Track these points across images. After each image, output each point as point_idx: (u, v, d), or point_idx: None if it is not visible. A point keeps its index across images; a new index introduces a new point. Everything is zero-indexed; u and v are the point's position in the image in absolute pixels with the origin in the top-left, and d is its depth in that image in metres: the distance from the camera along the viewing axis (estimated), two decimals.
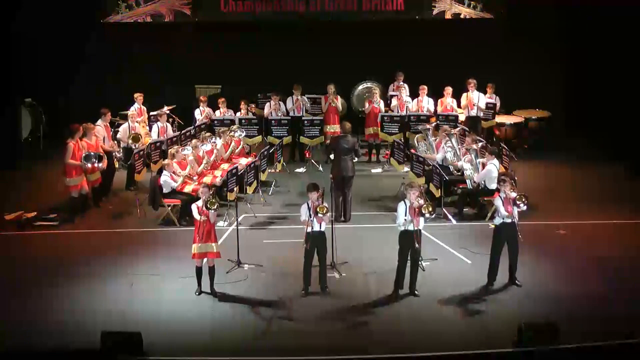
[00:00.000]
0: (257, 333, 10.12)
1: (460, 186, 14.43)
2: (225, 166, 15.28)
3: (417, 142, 15.90)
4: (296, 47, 19.57)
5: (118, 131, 16.33)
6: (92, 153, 14.25)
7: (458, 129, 16.13)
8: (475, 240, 12.83)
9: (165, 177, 13.82)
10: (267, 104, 17.84)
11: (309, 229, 10.96)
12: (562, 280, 11.49)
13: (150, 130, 16.77)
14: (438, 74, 18.01)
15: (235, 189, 13.96)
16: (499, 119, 18.14)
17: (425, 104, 17.59)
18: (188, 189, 13.99)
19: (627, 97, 18.09)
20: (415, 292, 11.04)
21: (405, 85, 18.08)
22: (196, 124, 17.20)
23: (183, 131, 16.63)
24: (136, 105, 16.96)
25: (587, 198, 15.11)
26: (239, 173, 14.28)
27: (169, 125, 16.88)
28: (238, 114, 17.67)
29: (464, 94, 17.65)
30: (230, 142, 15.97)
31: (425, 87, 17.63)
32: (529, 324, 9.69)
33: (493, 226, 11.58)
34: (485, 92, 17.73)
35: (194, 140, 15.26)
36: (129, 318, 10.36)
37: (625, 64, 18.04)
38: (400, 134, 17.21)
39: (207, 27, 19.95)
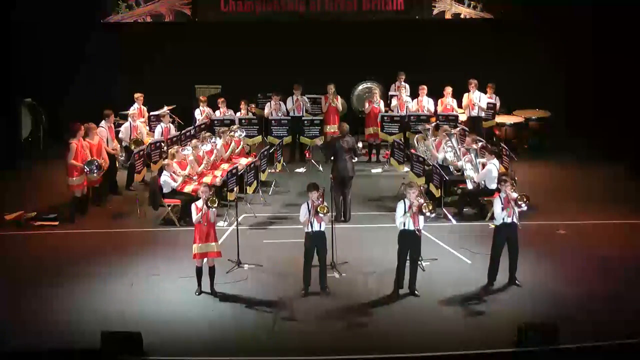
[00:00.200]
0: (257, 333, 10.12)
1: (460, 186, 14.43)
2: (225, 166, 15.28)
3: (417, 142, 15.91)
4: (296, 47, 19.56)
5: (120, 131, 16.34)
6: (95, 161, 14.23)
7: (458, 129, 16.14)
8: (475, 240, 12.83)
9: (165, 177, 13.82)
10: (268, 103, 17.85)
11: (309, 229, 10.96)
12: (562, 280, 11.49)
13: (150, 130, 16.78)
14: (438, 74, 18.01)
15: (235, 189, 13.97)
16: (499, 119, 18.16)
17: (425, 103, 17.60)
18: (188, 189, 13.99)
19: (628, 97, 18.11)
20: (415, 292, 11.04)
21: (406, 85, 18.07)
22: (196, 124, 17.20)
23: (183, 131, 16.63)
24: (136, 106, 16.96)
25: (587, 198, 15.11)
26: (239, 173, 14.29)
27: (172, 125, 16.89)
28: (238, 114, 17.67)
29: (465, 94, 17.65)
30: (230, 142, 15.97)
31: (425, 87, 17.63)
32: (529, 324, 9.69)
33: (493, 226, 11.59)
34: (485, 92, 17.73)
35: (194, 140, 15.25)
36: (129, 318, 10.36)
37: (625, 64, 18.05)
38: (400, 134, 17.22)
39: (207, 27, 19.95)
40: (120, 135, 16.22)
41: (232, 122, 17.11)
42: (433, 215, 11.05)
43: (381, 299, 10.97)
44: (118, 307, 10.72)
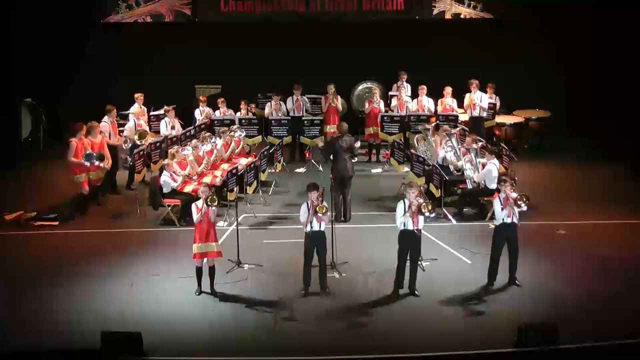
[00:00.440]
0: (257, 333, 10.11)
1: (460, 186, 14.43)
2: (225, 166, 15.28)
3: (417, 142, 15.90)
4: (296, 47, 19.56)
5: (123, 130, 16.36)
6: (93, 153, 14.26)
7: (458, 128, 16.14)
8: (475, 240, 12.83)
9: (165, 177, 13.83)
10: (268, 103, 17.86)
11: (309, 229, 10.96)
12: (562, 280, 11.48)
13: (150, 130, 16.78)
14: (438, 74, 18.01)
15: (235, 189, 13.97)
16: (499, 119, 18.16)
17: (426, 103, 17.59)
18: (188, 189, 14.00)
19: (628, 97, 18.11)
20: (415, 292, 11.04)
21: (407, 85, 18.06)
22: (196, 124, 17.20)
23: (183, 131, 16.64)
24: (136, 106, 16.96)
25: (587, 198, 15.11)
26: (239, 173, 14.29)
27: (177, 120, 16.91)
28: (238, 114, 17.68)
29: (467, 95, 17.63)
30: (230, 142, 15.97)
31: (425, 87, 17.62)
32: (529, 324, 9.69)
33: (493, 226, 11.59)
34: (485, 92, 17.72)
35: (194, 140, 15.26)
36: (129, 318, 10.36)
37: (625, 64, 18.05)
38: (400, 134, 17.22)
39: (207, 27, 19.96)
40: (124, 133, 16.24)
41: (232, 122, 17.12)
42: (433, 215, 11.05)
43: (381, 299, 10.96)
44: (118, 307, 10.71)
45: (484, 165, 13.92)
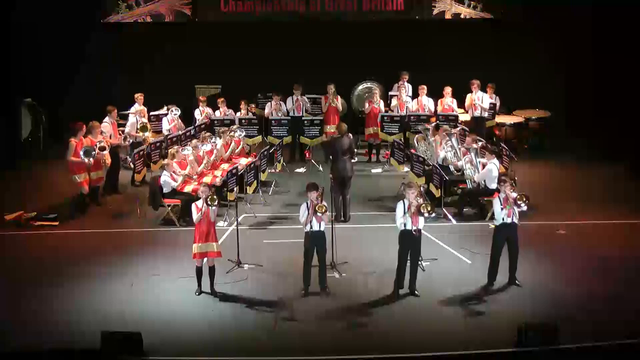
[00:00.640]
0: (257, 333, 10.11)
1: (460, 186, 14.43)
2: (225, 166, 15.28)
3: (417, 142, 15.90)
4: (296, 47, 19.56)
5: (125, 128, 16.37)
6: (90, 147, 14.24)
7: (458, 128, 16.14)
8: (475, 240, 12.83)
9: (165, 177, 13.83)
10: (268, 103, 17.85)
11: (309, 229, 10.96)
12: (562, 280, 11.48)
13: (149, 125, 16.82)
14: (438, 74, 18.01)
15: (235, 189, 13.97)
16: (499, 119, 18.16)
17: (426, 103, 17.59)
18: (188, 189, 14.00)
19: (628, 97, 18.11)
20: (415, 292, 11.04)
21: (408, 85, 18.05)
22: (196, 124, 17.20)
23: (183, 131, 16.64)
24: (136, 106, 16.96)
25: (587, 198, 15.11)
26: (239, 173, 14.29)
27: (178, 117, 16.94)
28: (238, 114, 17.67)
29: (468, 95, 17.62)
30: (230, 142, 15.98)
31: (425, 87, 17.62)
32: (529, 324, 9.70)
33: (493, 226, 11.59)
34: (485, 93, 17.71)
35: (194, 140, 15.26)
36: (129, 318, 10.36)
37: (625, 64, 18.05)
38: (400, 134, 17.22)
39: (207, 27, 19.95)
40: (126, 130, 16.25)
41: (232, 122, 17.12)
42: (432, 215, 11.05)
43: (381, 299, 10.97)
44: (118, 307, 10.71)
45: (484, 165, 13.92)
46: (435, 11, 20.28)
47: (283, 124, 17.40)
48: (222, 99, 17.79)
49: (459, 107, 17.76)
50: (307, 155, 17.79)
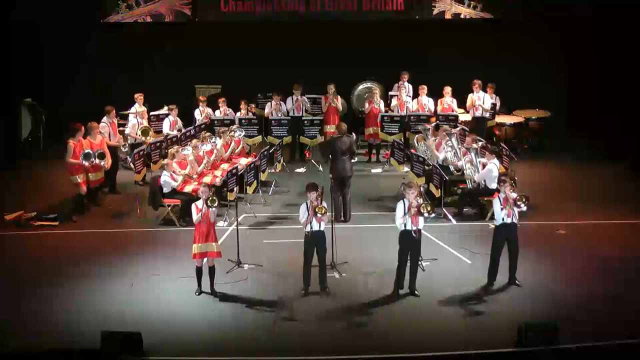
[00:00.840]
0: (257, 333, 10.11)
1: (460, 186, 14.43)
2: (225, 166, 15.28)
3: (417, 142, 15.90)
4: (296, 47, 19.56)
5: (125, 129, 16.35)
6: (91, 151, 14.25)
7: (458, 128, 16.14)
8: (475, 240, 12.83)
9: (165, 177, 13.83)
10: (268, 103, 17.85)
11: (308, 229, 10.96)
12: (562, 280, 11.48)
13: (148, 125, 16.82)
14: (438, 74, 18.00)
15: (235, 189, 13.97)
16: (499, 119, 18.15)
17: (426, 102, 17.58)
18: (188, 189, 14.00)
19: (628, 97, 18.11)
20: (415, 292, 11.04)
21: (408, 85, 18.04)
22: (196, 124, 17.20)
23: (183, 131, 16.64)
24: (136, 106, 16.96)
25: (587, 198, 15.11)
26: (239, 173, 14.29)
27: (179, 119, 16.92)
28: (238, 114, 17.68)
29: (469, 95, 17.61)
30: (230, 142, 15.97)
31: (425, 87, 17.62)
32: (529, 324, 9.70)
33: (493, 226, 11.58)
34: (485, 93, 17.71)
35: (194, 140, 15.26)
36: (129, 318, 10.36)
37: (625, 64, 18.05)
38: (400, 134, 17.21)
39: (207, 27, 19.95)
40: (126, 131, 16.24)
41: (232, 122, 17.12)
42: (432, 215, 11.05)
43: (381, 299, 10.96)
44: (118, 307, 10.71)
45: (484, 165, 13.91)
46: (435, 11, 20.28)
47: (283, 124, 17.40)
48: (223, 99, 17.79)
49: (459, 107, 17.75)
50: (307, 155, 17.79)
